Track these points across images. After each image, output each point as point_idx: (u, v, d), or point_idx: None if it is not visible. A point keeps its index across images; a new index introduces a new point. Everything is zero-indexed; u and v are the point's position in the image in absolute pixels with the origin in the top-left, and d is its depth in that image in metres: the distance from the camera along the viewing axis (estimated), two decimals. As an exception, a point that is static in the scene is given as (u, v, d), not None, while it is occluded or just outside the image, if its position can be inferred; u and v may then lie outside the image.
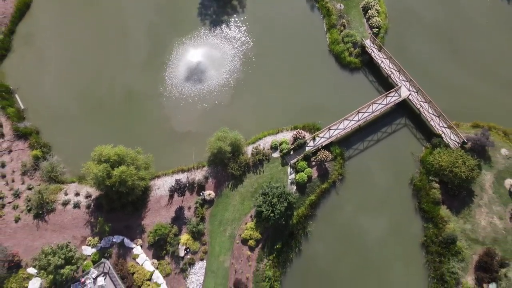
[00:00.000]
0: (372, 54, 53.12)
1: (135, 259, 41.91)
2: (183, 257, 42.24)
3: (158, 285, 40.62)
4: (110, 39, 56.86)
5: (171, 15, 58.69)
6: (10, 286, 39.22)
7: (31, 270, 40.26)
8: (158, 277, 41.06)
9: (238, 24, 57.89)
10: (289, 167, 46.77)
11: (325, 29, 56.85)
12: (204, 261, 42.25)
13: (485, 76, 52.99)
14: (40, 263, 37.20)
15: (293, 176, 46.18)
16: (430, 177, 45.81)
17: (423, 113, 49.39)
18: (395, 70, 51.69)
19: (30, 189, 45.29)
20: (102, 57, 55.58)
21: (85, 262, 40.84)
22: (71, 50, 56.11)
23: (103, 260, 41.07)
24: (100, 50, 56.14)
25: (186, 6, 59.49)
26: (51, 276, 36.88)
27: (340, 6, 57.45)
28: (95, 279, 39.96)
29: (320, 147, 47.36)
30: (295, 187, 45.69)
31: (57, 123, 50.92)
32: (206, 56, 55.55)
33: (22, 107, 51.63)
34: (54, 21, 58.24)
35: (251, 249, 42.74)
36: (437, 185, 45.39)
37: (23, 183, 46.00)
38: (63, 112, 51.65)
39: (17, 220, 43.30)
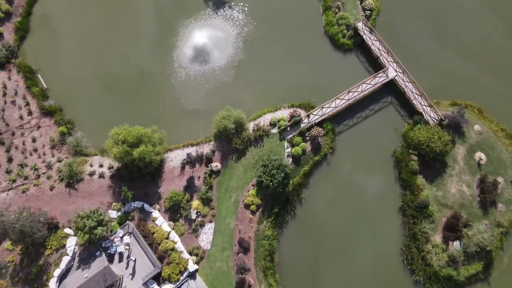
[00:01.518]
0: (364, 36, 57.67)
1: (154, 221, 49.32)
2: (194, 220, 49.61)
3: (175, 242, 48.21)
4: (122, 21, 61.19)
5: (177, -3, 62.48)
6: (51, 243, 46.91)
7: (68, 231, 47.81)
8: (174, 236, 48.59)
9: (239, 6, 61.78)
10: (286, 142, 53.06)
11: (321, 11, 60.86)
12: (213, 223, 49.67)
13: (468, 57, 57.65)
14: (77, 225, 44.47)
15: (289, 149, 52.59)
16: (410, 151, 52.10)
17: (407, 93, 54.85)
18: (384, 52, 56.52)
19: (59, 161, 51.95)
20: (115, 38, 60.20)
21: (112, 224, 48.18)
22: (86, 31, 60.57)
23: (127, 222, 48.47)
24: (112, 31, 60.61)
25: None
26: (87, 236, 44.29)
27: (335, -12, 61.08)
28: (121, 237, 47.55)
29: (313, 124, 53.35)
30: (291, 159, 52.25)
31: (78, 100, 56.60)
32: (210, 37, 60.09)
33: (45, 86, 57.07)
34: (68, 3, 62.19)
35: (253, 212, 50.03)
36: (415, 157, 51.77)
37: (53, 156, 52.57)
38: (82, 90, 57.13)
39: (51, 188, 50.31)
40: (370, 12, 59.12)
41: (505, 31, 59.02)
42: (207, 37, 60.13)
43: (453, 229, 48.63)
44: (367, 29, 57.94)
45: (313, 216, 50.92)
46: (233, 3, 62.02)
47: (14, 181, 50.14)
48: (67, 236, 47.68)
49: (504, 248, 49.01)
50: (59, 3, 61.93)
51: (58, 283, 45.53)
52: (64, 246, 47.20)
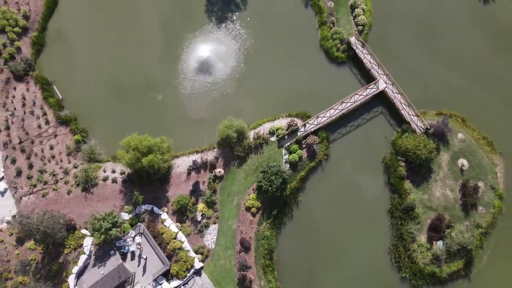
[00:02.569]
0: (356, 50, 61.93)
1: (163, 223, 53.84)
2: (200, 221, 54.12)
3: (182, 242, 52.73)
4: (131, 34, 65.24)
5: (182, 11, 66.59)
6: (70, 243, 51.46)
7: (85, 231, 52.38)
8: (181, 236, 53.11)
9: (240, 20, 66.05)
10: (283, 149, 57.47)
11: (317, 26, 65.07)
12: (216, 224, 54.19)
13: (453, 69, 61.78)
14: (94, 226, 48.96)
15: (287, 156, 57.01)
16: (398, 157, 56.51)
17: (396, 103, 59.16)
18: (375, 65, 60.82)
19: (75, 167, 56.41)
20: (125, 50, 64.31)
21: (125, 225, 52.68)
22: (97, 44, 64.72)
23: (139, 223, 53.00)
24: (122, 44, 64.69)
25: (195, 2, 67.16)
26: (103, 236, 48.81)
27: (330, 4, 65.26)
28: (133, 237, 52.12)
29: (309, 132, 57.75)
30: (288, 166, 56.69)
31: (91, 110, 60.85)
32: (214, 50, 64.34)
33: (61, 97, 61.36)
34: (80, 17, 66.33)
35: (253, 215, 54.52)
36: (403, 163, 56.21)
37: (69, 162, 57.02)
38: (94, 100, 61.37)
39: (69, 192, 54.84)
40: (362, 27, 63.37)
41: (490, 45, 63.10)
42: (210, 50, 64.38)
43: (437, 230, 53.12)
44: (359, 43, 62.20)
45: (308, 218, 55.36)
46: (234, 18, 66.24)
47: (34, 186, 54.67)
48: (83, 236, 52.24)
49: (484, 247, 53.48)
50: (72, 18, 66.07)
51: (76, 280, 50.17)
52: (81, 245, 51.76)
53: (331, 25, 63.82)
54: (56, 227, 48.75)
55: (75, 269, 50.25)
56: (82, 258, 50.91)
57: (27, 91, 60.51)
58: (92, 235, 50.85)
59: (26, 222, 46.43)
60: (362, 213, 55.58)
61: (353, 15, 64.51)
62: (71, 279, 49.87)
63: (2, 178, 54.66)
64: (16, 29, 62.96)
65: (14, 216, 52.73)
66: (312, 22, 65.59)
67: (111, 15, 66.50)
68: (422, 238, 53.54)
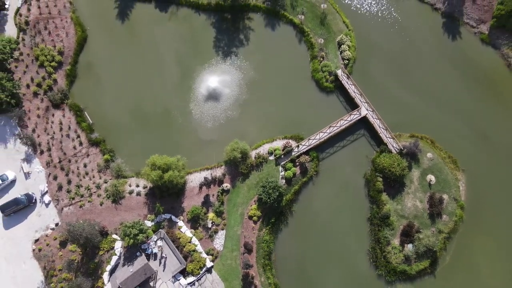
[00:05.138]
0: (342, 81, 72.66)
1: (179, 229, 64.63)
2: (210, 228, 64.89)
3: (195, 245, 63.47)
4: (151, 67, 75.71)
5: (194, 47, 77.47)
6: (103, 246, 62.33)
7: (115, 236, 63.29)
8: (195, 240, 63.84)
9: (243, 54, 76.86)
10: (280, 167, 68.26)
11: (309, 59, 75.85)
12: (224, 230, 64.95)
13: (424, 98, 72.04)
14: (125, 232, 59.85)
15: (283, 173, 67.76)
16: (377, 173, 66.93)
17: (376, 127, 69.78)
18: (358, 94, 71.53)
19: (106, 182, 67.36)
20: (145, 81, 74.84)
21: (148, 231, 63.48)
22: (122, 76, 75.44)
23: (159, 229, 63.85)
24: (143, 75, 75.22)
25: (204, 39, 77.89)
26: (131, 240, 59.67)
27: (320, 40, 76.05)
28: (155, 241, 62.98)
29: (302, 152, 68.49)
30: (284, 181, 67.43)
31: (117, 132, 71.68)
32: (221, 81, 75.07)
33: (91, 121, 72.31)
34: (106, 52, 77.31)
35: (255, 222, 65.27)
36: (380, 179, 66.56)
37: (100, 178, 67.97)
38: (120, 125, 72.17)
39: (101, 204, 65.79)
40: (347, 61, 74.13)
41: (456, 77, 73.19)
42: (217, 81, 75.03)
43: (408, 235, 63.62)
44: (345, 75, 72.96)
45: (301, 225, 66.03)
46: (238, 52, 77.04)
47: (73, 198, 65.68)
48: (114, 240, 63.13)
49: (447, 249, 63.82)
50: (99, 53, 77.04)
51: (109, 276, 61.10)
52: (112, 248, 62.63)
53: (321, 59, 74.60)
54: (94, 233, 59.73)
55: (108, 268, 61.19)
56: (114, 258, 61.81)
57: (63, 117, 71.49)
58: (122, 239, 61.78)
59: (73, 229, 57.44)
60: (346, 220, 66.11)
61: (340, 50, 75.26)
62: (105, 276, 60.81)
63: (47, 192, 65.77)
64: (53, 63, 74.00)
65: (57, 224, 63.85)
66: (305, 56, 76.37)
67: (133, 50, 77.34)
68: (396, 241, 64.07)
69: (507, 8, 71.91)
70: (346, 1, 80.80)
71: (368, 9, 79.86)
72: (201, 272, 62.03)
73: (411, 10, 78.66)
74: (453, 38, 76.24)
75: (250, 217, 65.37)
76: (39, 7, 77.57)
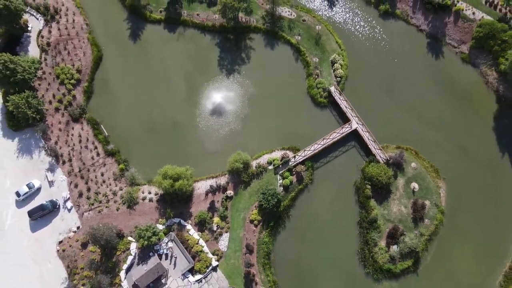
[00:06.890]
0: (335, 97, 79.89)
1: (188, 232, 71.85)
2: (215, 231, 72.11)
3: (202, 246, 70.61)
4: (161, 83, 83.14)
5: (200, 65, 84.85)
6: (120, 247, 69.60)
7: (130, 238, 70.61)
8: (202, 242, 70.97)
9: (245, 72, 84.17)
10: (278, 176, 75.51)
11: (305, 77, 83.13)
12: (228, 233, 72.15)
13: (410, 113, 79.21)
14: (140, 235, 67.11)
15: (281, 181, 75.00)
16: (366, 181, 74.14)
17: (365, 139, 76.98)
18: (349, 109, 78.75)
19: (121, 189, 74.69)
20: (156, 96, 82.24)
21: (160, 233, 70.69)
22: (134, 91, 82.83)
23: (170, 232, 71.10)
24: (154, 91, 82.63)
25: (209, 58, 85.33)
26: (146, 242, 66.96)
27: (315, 59, 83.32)
28: (166, 243, 70.24)
29: (298, 162, 75.72)
30: (282, 188, 74.67)
31: (130, 144, 79.07)
32: (224, 96, 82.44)
33: (107, 134, 79.64)
34: (120, 70, 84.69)
35: (255, 225, 72.46)
36: (369, 186, 73.68)
37: (116, 185, 75.32)
38: (133, 137, 79.46)
39: (118, 209, 73.12)
40: (340, 78, 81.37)
41: (439, 95, 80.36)
42: (221, 96, 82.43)
43: (393, 237, 70.73)
44: (338, 91, 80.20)
45: (297, 228, 73.16)
46: (240, 70, 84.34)
47: (92, 204, 73.05)
48: (130, 242, 70.45)
49: (428, 250, 70.93)
50: (114, 70, 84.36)
51: (125, 274, 68.43)
52: (128, 249, 69.92)
53: (316, 76, 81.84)
54: (112, 235, 67.07)
55: (125, 266, 68.46)
56: (129, 258, 69.12)
57: (82, 130, 78.85)
58: (137, 241, 69.08)
59: (95, 232, 64.84)
60: (338, 224, 73.25)
61: (333, 68, 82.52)
62: (122, 274, 68.12)
63: (69, 198, 73.21)
64: (72, 81, 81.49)
65: (78, 227, 71.28)
66: (301, 74, 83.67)
67: (144, 68, 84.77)
68: (382, 243, 71.17)
69: (485, 30, 79.22)
70: (339, 23, 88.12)
71: (359, 30, 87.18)
72: (207, 270, 69.18)
73: (398, 31, 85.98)
74: (436, 57, 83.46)
75: (251, 221, 72.57)
76: (59, 29, 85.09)
